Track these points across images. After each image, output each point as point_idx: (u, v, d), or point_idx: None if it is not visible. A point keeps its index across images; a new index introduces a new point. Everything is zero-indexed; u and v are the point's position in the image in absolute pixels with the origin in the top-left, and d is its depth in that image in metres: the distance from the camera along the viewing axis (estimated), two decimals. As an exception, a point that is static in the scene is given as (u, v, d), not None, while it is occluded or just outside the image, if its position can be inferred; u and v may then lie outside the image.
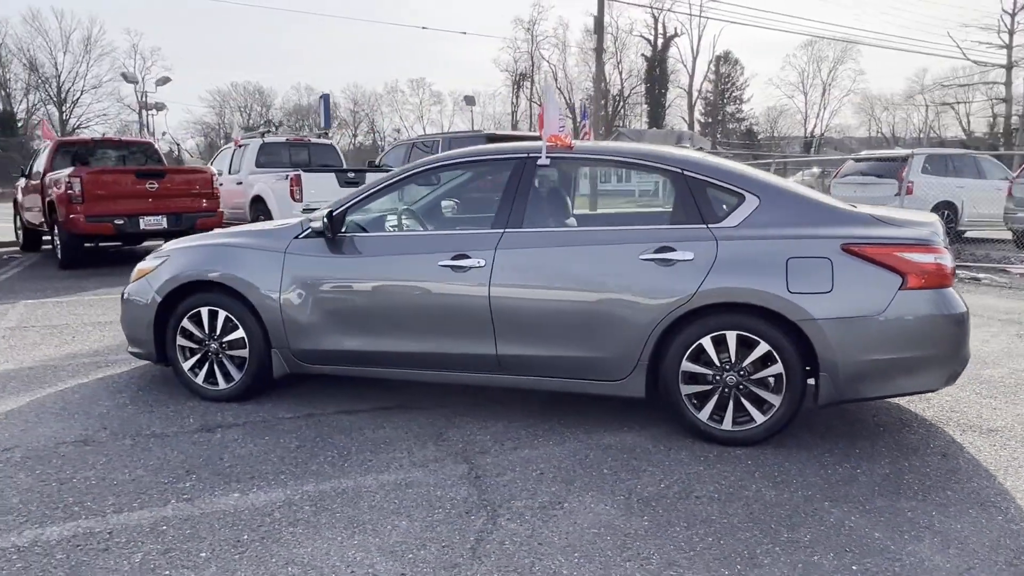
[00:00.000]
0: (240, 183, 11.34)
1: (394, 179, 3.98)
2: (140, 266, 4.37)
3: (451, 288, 3.67)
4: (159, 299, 4.12)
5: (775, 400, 3.32)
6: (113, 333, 5.71)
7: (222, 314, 4.02)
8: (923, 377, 3.28)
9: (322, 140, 13.61)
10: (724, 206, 3.48)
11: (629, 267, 3.43)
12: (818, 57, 57.68)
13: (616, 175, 14.27)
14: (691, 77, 56.49)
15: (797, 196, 3.49)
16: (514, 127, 55.01)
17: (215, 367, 4.10)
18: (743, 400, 3.37)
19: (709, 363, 3.38)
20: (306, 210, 8.20)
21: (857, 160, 13.40)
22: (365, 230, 4.01)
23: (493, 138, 9.83)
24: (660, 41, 54.10)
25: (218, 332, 4.05)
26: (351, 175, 10.08)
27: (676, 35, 54.81)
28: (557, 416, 3.81)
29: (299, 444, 3.48)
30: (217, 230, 5.25)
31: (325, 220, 3.82)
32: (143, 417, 3.86)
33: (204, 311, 4.06)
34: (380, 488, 2.99)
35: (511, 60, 58.15)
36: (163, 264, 4.20)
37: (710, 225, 3.42)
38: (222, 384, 4.09)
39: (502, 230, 3.65)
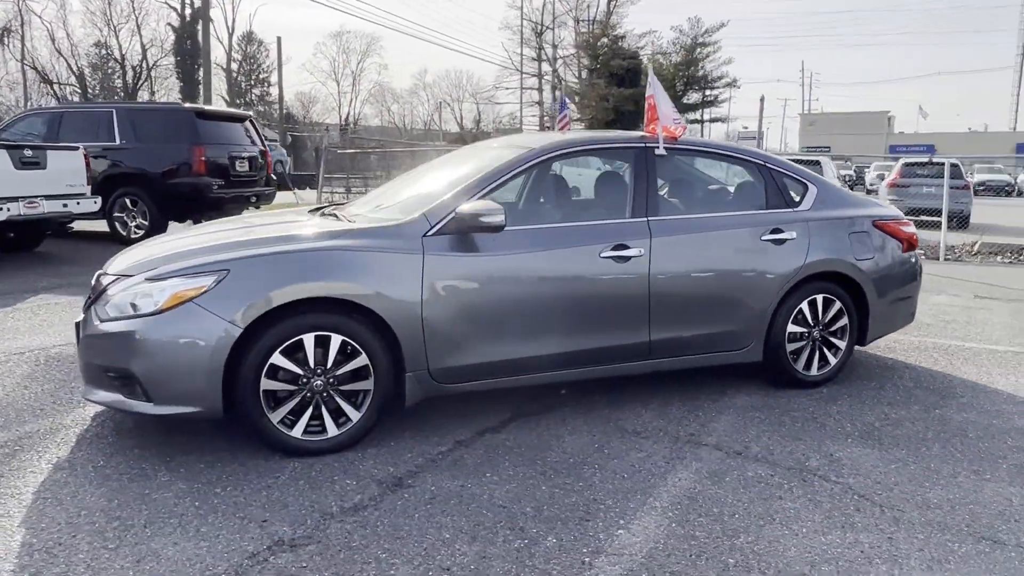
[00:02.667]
0: None
1: (518, 168, 3.61)
2: (177, 290, 2.98)
3: (615, 279, 3.61)
4: (239, 330, 2.94)
5: (841, 344, 4.25)
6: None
7: (336, 339, 3.10)
8: (910, 311, 4.61)
9: None
10: (796, 194, 4.23)
11: (754, 247, 3.94)
12: (347, 48, 60.72)
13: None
14: (228, 54, 53.55)
15: (833, 185, 4.45)
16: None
17: (323, 410, 3.14)
18: (823, 349, 4.21)
19: (805, 323, 4.12)
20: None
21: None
22: None
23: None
24: (189, 12, 49.72)
25: (329, 364, 3.11)
26: (28, 153, 7.45)
27: (206, 6, 51.06)
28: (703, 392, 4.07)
29: (525, 490, 3.06)
30: (250, 229, 3.67)
31: (460, 213, 3.30)
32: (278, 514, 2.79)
33: (309, 338, 3.06)
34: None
35: (-15, 9, 46.28)
36: (226, 281, 2.98)
37: (795, 209, 4.15)
38: (333, 431, 3.16)
39: (645, 218, 3.73)
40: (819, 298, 4.13)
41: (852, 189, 30.39)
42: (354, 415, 3.19)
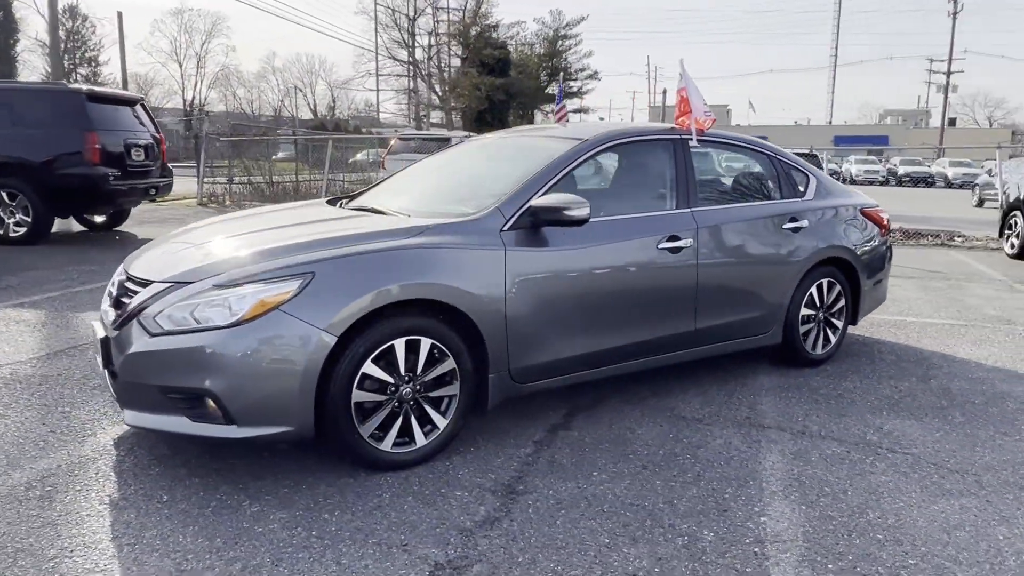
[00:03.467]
0: None
1: (577, 159, 3.53)
2: (262, 296, 2.64)
3: (669, 270, 3.65)
4: (333, 338, 2.68)
5: (839, 324, 4.56)
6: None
7: (425, 343, 2.90)
8: (884, 291, 5.01)
9: None
10: (801, 185, 4.46)
11: (778, 236, 4.13)
12: (189, 27, 56.40)
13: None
14: (52, 31, 47.87)
15: (826, 176, 4.73)
16: None
17: (412, 419, 2.94)
18: (826, 329, 4.49)
19: (813, 306, 4.38)
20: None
21: (402, 139, 14.90)
22: None
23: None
24: (-1, -22, 43.92)
25: (419, 369, 2.91)
26: None
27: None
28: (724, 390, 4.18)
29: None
30: (300, 227, 3.25)
31: (539, 206, 3.20)
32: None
33: (400, 344, 2.84)
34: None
35: None
36: (313, 285, 2.69)
37: (803, 199, 4.38)
38: (421, 441, 2.97)
39: (689, 209, 3.80)
40: (824, 282, 4.40)
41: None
42: (441, 423, 3.01)
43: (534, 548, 2.39)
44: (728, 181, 4.20)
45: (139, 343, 2.74)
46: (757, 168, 4.37)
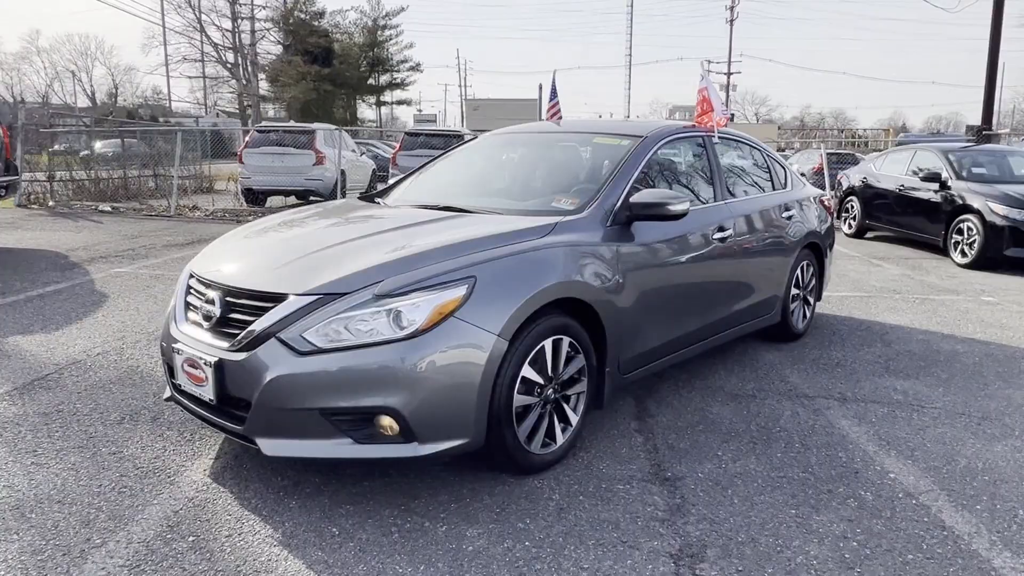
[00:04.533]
0: None
1: (646, 155, 3.63)
2: (438, 303, 2.47)
3: (720, 259, 3.90)
4: (505, 343, 2.60)
5: (812, 301, 5.12)
6: None
7: (564, 342, 2.90)
8: (831, 270, 5.67)
9: None
10: (782, 177, 4.93)
11: (781, 225, 4.55)
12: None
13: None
14: None
15: (793, 169, 5.23)
16: None
17: (554, 420, 2.92)
18: (804, 306, 5.02)
19: (798, 285, 4.88)
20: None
21: (260, 131, 13.89)
22: None
23: None
24: None
25: (560, 369, 2.90)
26: None
27: None
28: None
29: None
30: (403, 230, 3.00)
31: (632, 202, 3.30)
32: None
33: (548, 344, 2.82)
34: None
35: None
36: (477, 290, 2.58)
37: (787, 190, 4.85)
38: (560, 440, 2.96)
39: (725, 201, 4.08)
40: (804, 264, 4.92)
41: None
42: (573, 420, 3.02)
43: (741, 527, 2.52)
44: (739, 175, 4.53)
45: (284, 365, 2.46)
46: (755, 162, 4.76)
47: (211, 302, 2.73)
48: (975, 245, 8.32)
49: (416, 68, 41.54)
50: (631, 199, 3.30)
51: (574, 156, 3.90)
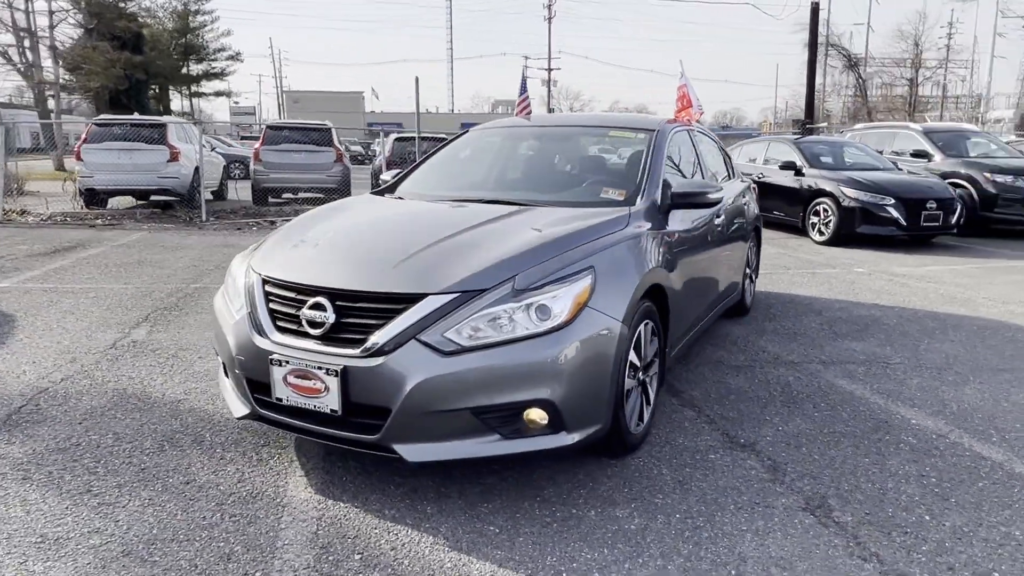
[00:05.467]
0: None
1: (664, 150, 3.83)
2: (575, 294, 2.50)
3: (720, 242, 4.25)
4: (627, 330, 2.72)
5: (754, 278, 5.67)
6: None
7: (649, 327, 3.06)
8: None
9: None
10: (731, 166, 5.39)
11: (744, 208, 5.02)
12: None
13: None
14: None
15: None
16: None
17: (644, 400, 3.07)
18: (750, 283, 5.55)
19: (749, 265, 5.38)
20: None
21: (100, 125, 12.42)
22: None
23: None
24: None
25: (644, 352, 3.05)
26: None
27: None
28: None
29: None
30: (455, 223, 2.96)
31: (674, 191, 3.53)
32: None
33: (642, 328, 2.96)
34: (854, 385, 3.94)
35: None
36: (599, 280, 2.66)
37: (737, 178, 5.33)
38: (645, 419, 3.12)
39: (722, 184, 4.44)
40: (752, 244, 5.44)
41: (365, 162, 33.01)
42: (652, 399, 3.19)
43: (838, 478, 2.82)
44: (712, 165, 4.90)
45: (430, 367, 2.39)
46: (717, 152, 5.16)
47: (318, 308, 2.56)
48: (831, 225, 9.52)
49: (236, 58, 38.93)
50: (672, 189, 3.51)
51: (597, 149, 4.04)
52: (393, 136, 13.87)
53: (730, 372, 4.14)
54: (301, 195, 14.14)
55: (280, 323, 2.66)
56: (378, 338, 2.45)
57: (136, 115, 15.24)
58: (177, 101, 40.33)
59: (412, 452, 2.45)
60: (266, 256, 2.96)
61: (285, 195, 14.34)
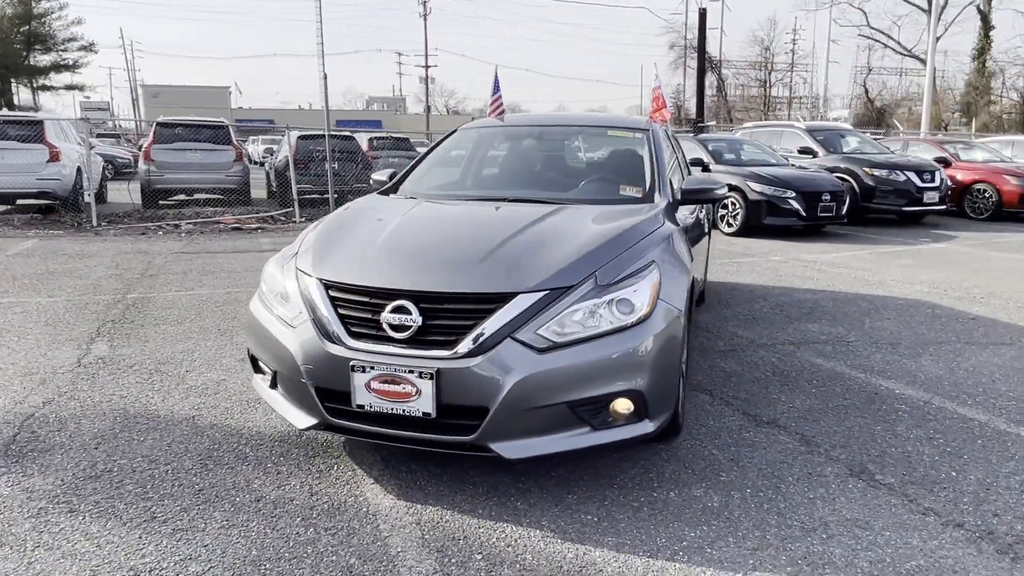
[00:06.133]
0: None
1: (661, 148, 4.02)
2: (652, 287, 2.65)
3: (697, 237, 4.50)
4: (685, 319, 2.89)
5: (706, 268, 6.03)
6: None
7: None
8: None
9: None
10: (686, 161, 5.69)
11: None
12: None
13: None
14: None
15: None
16: None
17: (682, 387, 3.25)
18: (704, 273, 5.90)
19: (707, 255, 5.72)
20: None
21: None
22: None
23: None
24: None
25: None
26: None
27: None
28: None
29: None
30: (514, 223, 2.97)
31: (683, 188, 3.74)
32: None
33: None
34: (830, 363, 4.32)
35: None
36: (662, 271, 2.79)
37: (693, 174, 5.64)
38: (682, 401, 3.29)
39: (689, 185, 4.69)
40: (709, 237, 5.78)
41: (262, 164, 31.43)
42: (685, 386, 3.37)
43: (865, 445, 3.12)
44: (681, 160, 5.15)
45: (528, 364, 2.44)
46: (681, 152, 5.43)
47: (401, 311, 2.52)
48: (739, 217, 10.20)
49: (89, 48, 35.87)
50: (682, 185, 3.71)
51: (602, 148, 4.16)
52: (296, 134, 13.36)
53: (719, 357, 4.41)
54: (197, 196, 13.35)
55: (355, 328, 2.59)
56: (472, 338, 2.46)
57: (6, 110, 13.82)
58: (28, 95, 36.66)
59: (509, 449, 2.48)
60: (319, 260, 2.85)
61: (178, 196, 13.50)
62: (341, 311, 2.64)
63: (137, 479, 2.73)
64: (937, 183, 11.37)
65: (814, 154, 12.04)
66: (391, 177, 4.18)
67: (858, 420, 3.41)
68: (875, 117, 47.05)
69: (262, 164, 21.99)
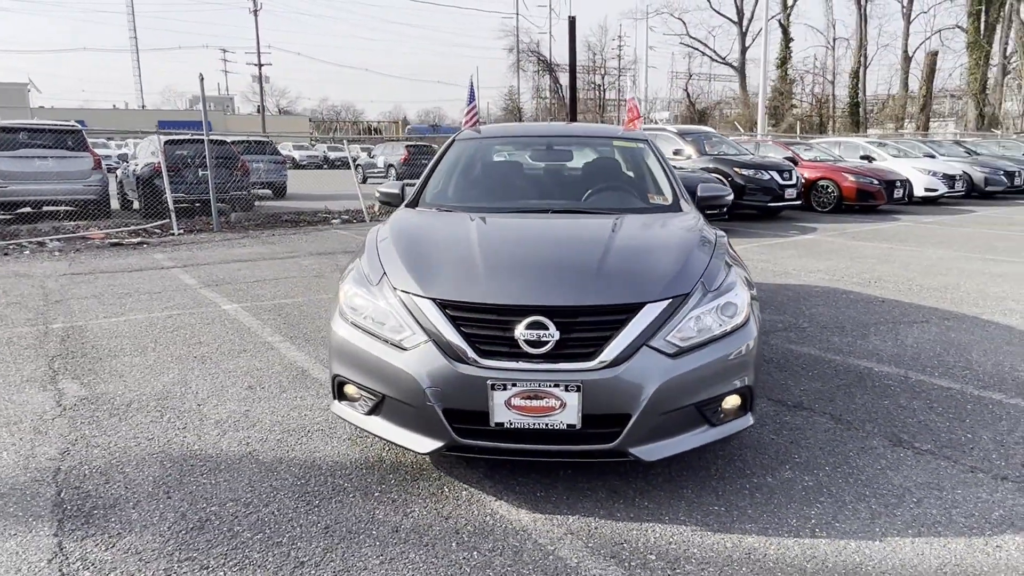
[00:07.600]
0: None
1: (664, 157, 4.26)
2: (746, 286, 2.85)
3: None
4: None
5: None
6: None
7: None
8: None
9: None
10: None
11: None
12: None
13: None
14: None
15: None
16: None
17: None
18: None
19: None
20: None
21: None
22: None
23: None
24: None
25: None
26: None
27: None
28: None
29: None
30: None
31: (700, 195, 4.02)
32: None
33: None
34: (802, 348, 4.82)
35: None
36: (728, 278, 3.03)
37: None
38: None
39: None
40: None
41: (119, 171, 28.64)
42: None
43: (892, 418, 3.54)
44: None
45: (663, 370, 2.57)
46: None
47: (536, 326, 2.55)
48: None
49: None
50: (699, 193, 3.98)
51: (615, 158, 4.30)
52: (164, 138, 12.30)
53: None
54: (47, 208, 11.91)
55: (483, 347, 2.58)
56: (612, 349, 2.54)
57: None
58: None
59: (647, 452, 2.59)
60: (423, 279, 2.78)
61: (22, 209, 11.98)
62: (464, 330, 2.61)
63: (247, 524, 2.53)
64: (794, 181, 12.73)
65: (687, 156, 13.01)
66: (402, 190, 4.10)
67: (866, 397, 3.86)
68: (696, 119, 51.18)
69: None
